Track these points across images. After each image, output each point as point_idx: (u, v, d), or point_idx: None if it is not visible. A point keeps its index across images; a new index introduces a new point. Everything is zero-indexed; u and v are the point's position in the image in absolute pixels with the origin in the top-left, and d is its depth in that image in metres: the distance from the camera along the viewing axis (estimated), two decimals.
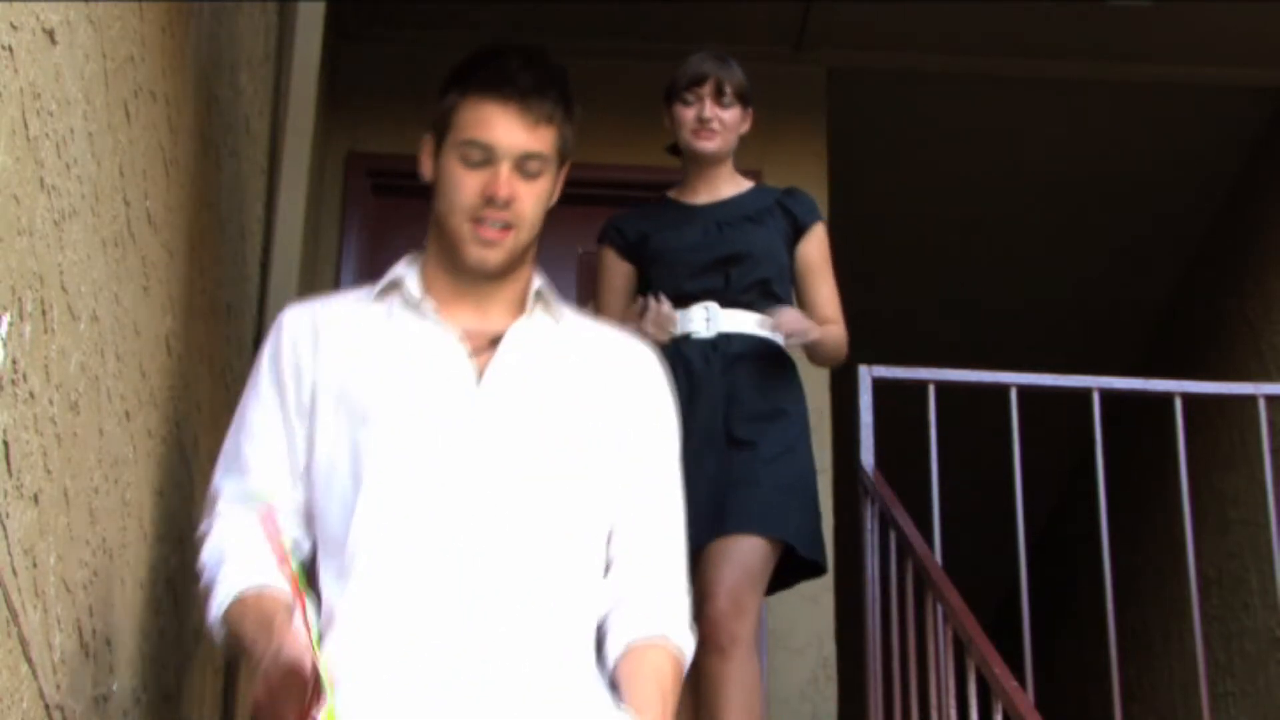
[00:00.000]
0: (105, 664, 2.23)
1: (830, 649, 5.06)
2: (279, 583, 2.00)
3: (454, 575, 2.00)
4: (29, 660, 1.78)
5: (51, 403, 1.87)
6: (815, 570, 3.46)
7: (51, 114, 1.82)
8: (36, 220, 1.77)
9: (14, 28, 1.65)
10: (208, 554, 2.16)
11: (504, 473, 2.08)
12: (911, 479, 3.83)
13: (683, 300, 3.51)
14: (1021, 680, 3.11)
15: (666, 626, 2.14)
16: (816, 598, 5.10)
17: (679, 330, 3.49)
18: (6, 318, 1.65)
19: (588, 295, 4.03)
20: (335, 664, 1.87)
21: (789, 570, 3.42)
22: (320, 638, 1.86)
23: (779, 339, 3.52)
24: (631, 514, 2.18)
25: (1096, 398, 3.91)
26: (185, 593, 2.75)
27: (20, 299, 1.71)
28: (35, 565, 1.80)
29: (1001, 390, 3.94)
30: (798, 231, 3.65)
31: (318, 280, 5.29)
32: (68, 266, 1.93)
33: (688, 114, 3.60)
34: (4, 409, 1.66)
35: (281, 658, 1.80)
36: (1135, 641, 6.70)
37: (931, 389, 3.91)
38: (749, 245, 3.55)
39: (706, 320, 3.49)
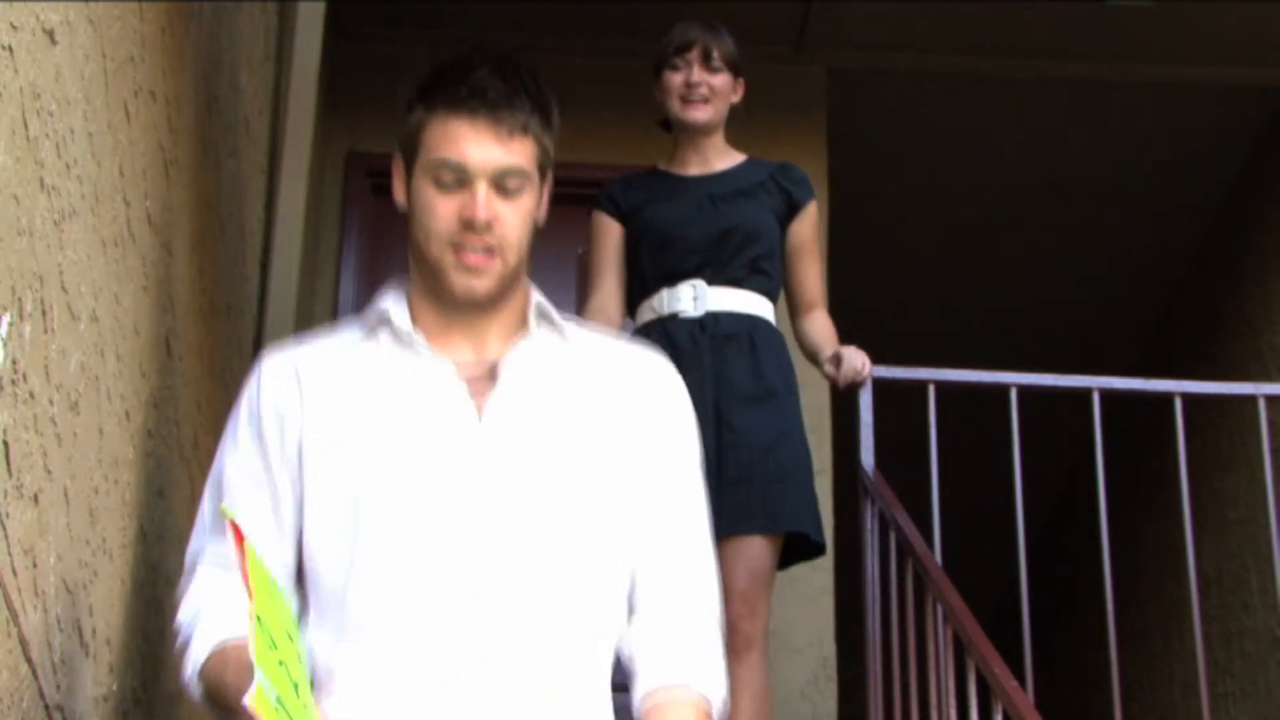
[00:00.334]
0: (105, 664, 2.23)
1: (830, 649, 5.06)
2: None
3: (465, 628, 1.89)
4: (29, 660, 1.78)
5: (51, 403, 1.87)
6: (816, 550, 3.45)
7: (51, 114, 1.82)
8: (36, 220, 1.77)
9: (14, 28, 1.65)
10: (184, 614, 2.00)
11: (512, 518, 1.95)
12: (911, 479, 3.83)
13: (671, 277, 3.49)
14: (1021, 680, 3.10)
15: (692, 673, 1.98)
16: (816, 598, 5.10)
17: (666, 309, 3.48)
18: (6, 318, 1.65)
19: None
20: None
21: (789, 550, 3.41)
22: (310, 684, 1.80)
23: (831, 372, 3.58)
24: (655, 543, 2.05)
25: (1096, 398, 3.91)
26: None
27: (20, 299, 1.71)
28: (35, 565, 1.80)
29: (1001, 390, 3.94)
30: (791, 209, 3.61)
31: (318, 280, 5.29)
32: (68, 266, 1.93)
33: (675, 79, 3.56)
34: (4, 409, 1.66)
35: None
36: (1135, 641, 6.70)
37: (931, 389, 3.91)
38: (743, 221, 3.52)
39: (694, 299, 3.47)
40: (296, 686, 1.73)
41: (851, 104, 5.79)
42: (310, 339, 2.14)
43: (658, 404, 2.12)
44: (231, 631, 1.90)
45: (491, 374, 2.04)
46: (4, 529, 1.67)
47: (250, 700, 1.60)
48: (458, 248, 2.01)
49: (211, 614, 1.96)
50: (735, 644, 3.25)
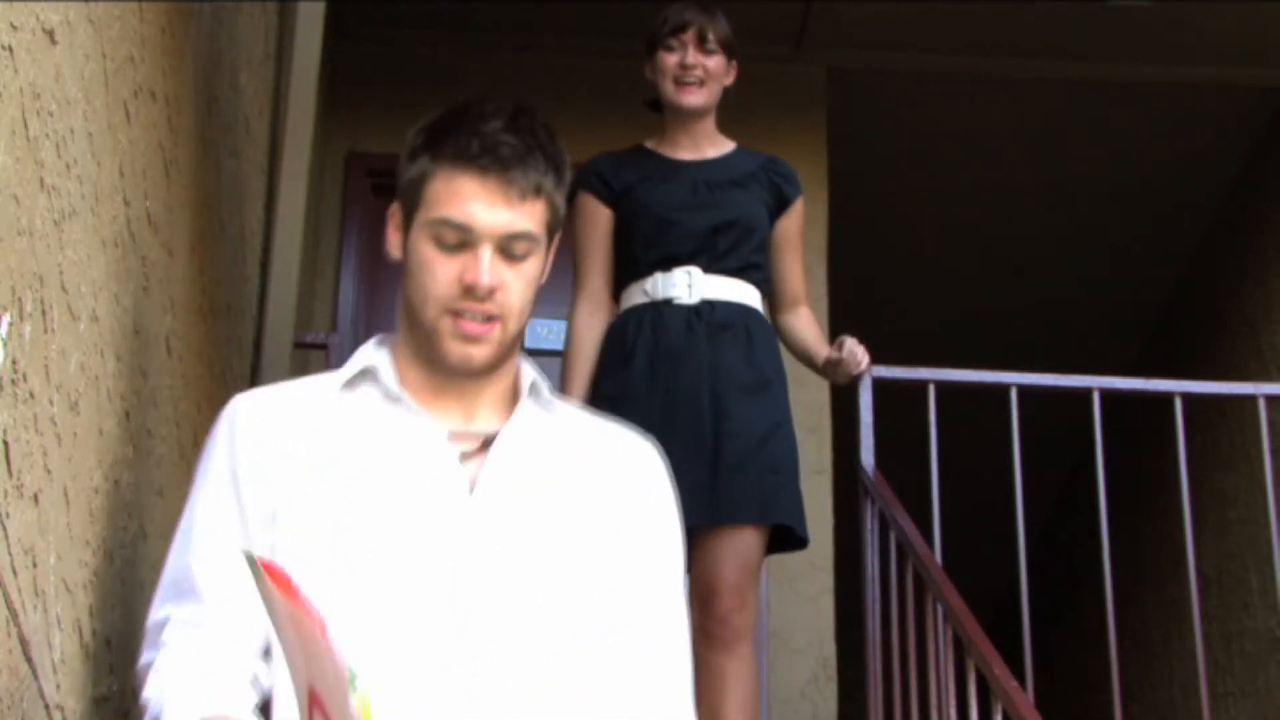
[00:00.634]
0: (105, 664, 2.23)
1: (830, 649, 5.07)
2: (243, 714, 1.75)
3: (452, 702, 1.77)
4: (29, 660, 1.78)
5: (51, 403, 1.87)
6: (798, 544, 3.46)
7: (51, 114, 1.82)
8: (36, 220, 1.77)
9: (14, 28, 1.65)
10: (151, 690, 1.82)
11: (500, 595, 1.83)
12: (911, 479, 3.83)
13: (665, 262, 3.49)
14: (1021, 680, 3.10)
15: None
16: (816, 598, 5.11)
17: (660, 294, 3.47)
18: (6, 318, 1.65)
19: None
20: None
21: (771, 541, 3.42)
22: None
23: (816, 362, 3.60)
24: (636, 635, 1.91)
25: (1096, 398, 3.91)
26: None
27: (20, 299, 1.71)
28: (35, 565, 1.80)
29: (1001, 390, 3.94)
30: (781, 203, 3.61)
31: (318, 280, 5.30)
32: (68, 266, 1.93)
33: (670, 60, 3.53)
34: (4, 409, 1.66)
35: None
36: (1135, 641, 6.70)
37: (931, 389, 3.91)
38: (737, 212, 3.51)
39: (689, 285, 3.46)
40: None
41: (851, 104, 5.79)
42: (283, 387, 1.99)
43: (645, 494, 1.99)
44: (208, 709, 1.76)
45: (483, 446, 1.91)
46: (4, 529, 1.67)
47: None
48: (456, 314, 1.88)
49: (185, 688, 1.79)
50: (725, 636, 3.25)
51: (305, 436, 1.90)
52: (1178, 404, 3.95)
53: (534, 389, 1.98)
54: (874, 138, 6.08)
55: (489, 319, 1.88)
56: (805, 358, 3.69)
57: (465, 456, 1.90)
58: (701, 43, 3.53)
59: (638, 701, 1.89)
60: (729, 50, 3.57)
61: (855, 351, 3.61)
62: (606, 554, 1.91)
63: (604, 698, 1.87)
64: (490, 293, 1.87)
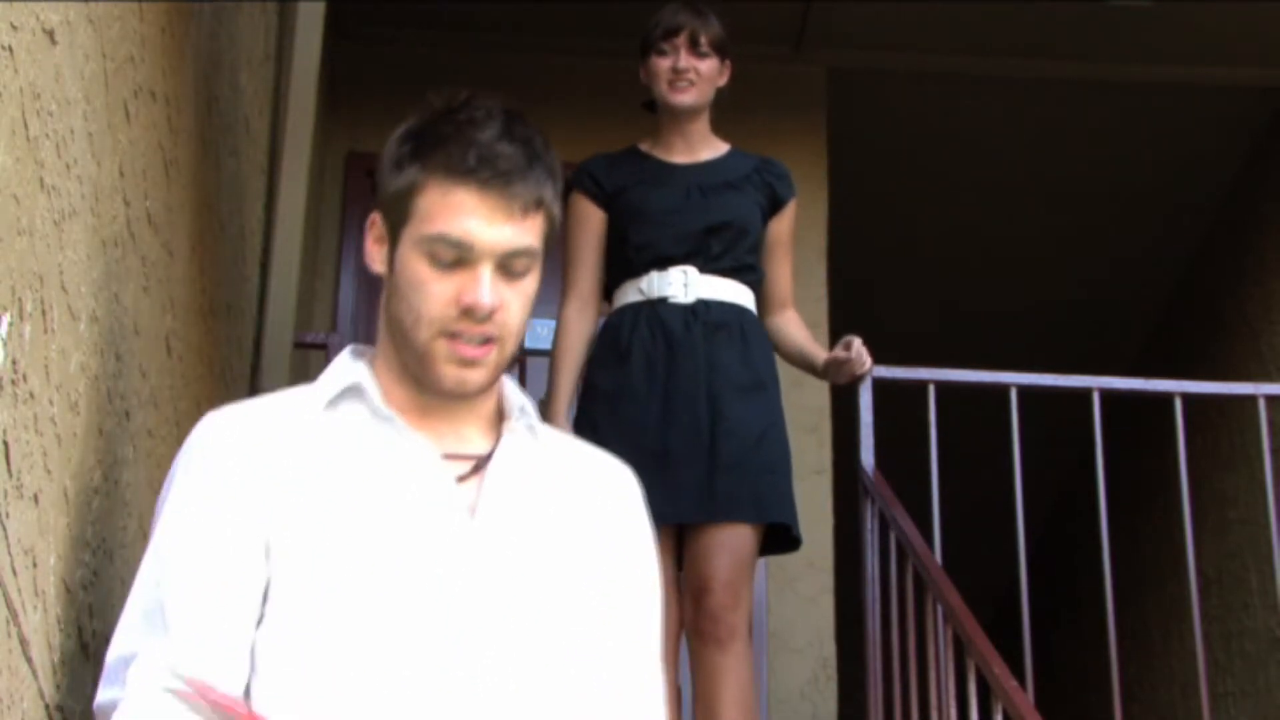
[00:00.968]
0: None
1: (830, 649, 5.07)
2: None
3: None
4: (29, 660, 1.78)
5: (51, 403, 1.87)
6: (791, 545, 3.46)
7: (51, 114, 1.82)
8: (36, 220, 1.77)
9: (14, 28, 1.65)
10: None
11: (504, 622, 1.74)
12: (911, 479, 3.83)
13: (660, 262, 3.49)
14: (1021, 680, 3.11)
15: None
16: (816, 598, 5.10)
17: (655, 293, 3.48)
18: (6, 318, 1.65)
19: None
20: None
21: (766, 542, 3.42)
22: None
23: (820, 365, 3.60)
24: (618, 665, 1.83)
25: (1096, 398, 3.91)
26: None
27: (20, 299, 1.71)
28: (35, 565, 1.80)
29: (1001, 390, 3.94)
30: (774, 205, 3.61)
31: (318, 280, 5.30)
32: (68, 266, 1.93)
33: (663, 65, 3.52)
34: (4, 409, 1.66)
35: None
36: (1135, 641, 6.70)
37: (931, 389, 3.91)
38: (730, 215, 3.51)
39: (685, 285, 3.46)
40: None
41: (851, 104, 5.79)
42: (259, 403, 1.86)
43: (628, 523, 1.90)
44: None
45: (476, 468, 1.81)
46: (4, 529, 1.67)
47: None
48: (452, 336, 1.76)
49: None
50: (719, 634, 3.25)
51: (292, 457, 1.76)
52: (1178, 404, 3.95)
53: (523, 411, 1.87)
54: (874, 138, 6.08)
55: (486, 341, 1.77)
56: (800, 359, 3.68)
57: (460, 479, 1.79)
58: (694, 46, 3.53)
59: None
60: (722, 52, 3.57)
61: (863, 353, 3.62)
62: (595, 582, 1.82)
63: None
64: (490, 314, 1.75)
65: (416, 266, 1.77)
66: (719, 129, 3.67)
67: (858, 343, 3.63)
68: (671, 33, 3.53)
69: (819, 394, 5.14)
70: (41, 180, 1.79)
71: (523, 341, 1.83)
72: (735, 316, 3.46)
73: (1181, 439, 3.90)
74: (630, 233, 3.49)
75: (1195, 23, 5.45)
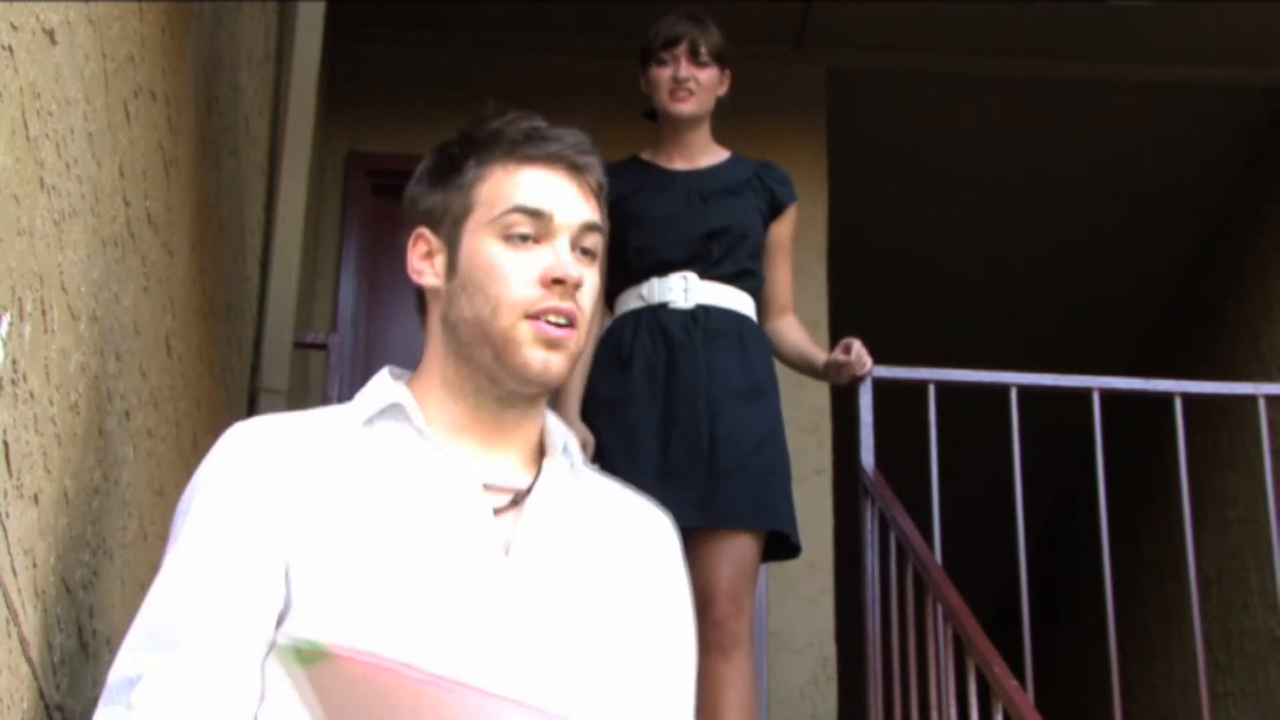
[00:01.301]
0: (105, 664, 2.23)
1: (830, 649, 5.07)
2: None
3: None
4: (29, 660, 1.78)
5: (51, 403, 1.87)
6: (791, 552, 3.46)
7: (51, 114, 1.82)
8: (36, 220, 1.77)
9: (14, 28, 1.65)
10: None
11: (527, 660, 1.63)
12: (911, 479, 3.83)
13: (660, 268, 3.50)
14: (1021, 680, 3.11)
15: None
16: (816, 598, 5.11)
17: (656, 298, 3.48)
18: (6, 318, 1.65)
19: None
20: None
21: (765, 549, 3.42)
22: None
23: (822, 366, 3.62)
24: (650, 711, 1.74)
25: (1096, 398, 3.91)
26: None
27: (20, 299, 1.71)
28: (35, 565, 1.80)
29: (1001, 390, 3.94)
30: (774, 209, 3.61)
31: (318, 280, 5.30)
32: (68, 266, 1.93)
33: (663, 75, 3.54)
34: (4, 409, 1.66)
35: None
36: (1135, 641, 6.70)
37: (931, 389, 3.91)
38: (730, 220, 3.52)
39: (685, 291, 3.47)
40: None
41: (851, 104, 5.79)
42: (293, 418, 1.74)
43: (666, 575, 1.82)
44: None
45: (514, 501, 1.71)
46: (4, 529, 1.67)
47: None
48: (535, 317, 1.68)
49: None
50: (722, 642, 3.26)
51: (322, 476, 1.65)
52: (1178, 404, 3.95)
53: (565, 449, 1.77)
54: (874, 138, 6.08)
55: (569, 323, 1.69)
56: (800, 362, 3.69)
57: (497, 511, 1.69)
58: (694, 55, 3.54)
59: None
60: (721, 61, 3.58)
61: (862, 355, 3.62)
62: (629, 633, 1.72)
63: None
64: (578, 286, 1.69)
65: (491, 251, 1.70)
66: (719, 129, 3.67)
67: (857, 345, 3.63)
68: (671, 43, 3.54)
69: (819, 394, 5.14)
70: (41, 180, 1.79)
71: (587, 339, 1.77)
72: (734, 323, 3.47)
73: (1181, 439, 3.90)
74: (631, 238, 3.50)
75: (1195, 23, 5.45)
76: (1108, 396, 3.98)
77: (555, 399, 3.51)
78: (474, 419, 1.73)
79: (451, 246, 1.74)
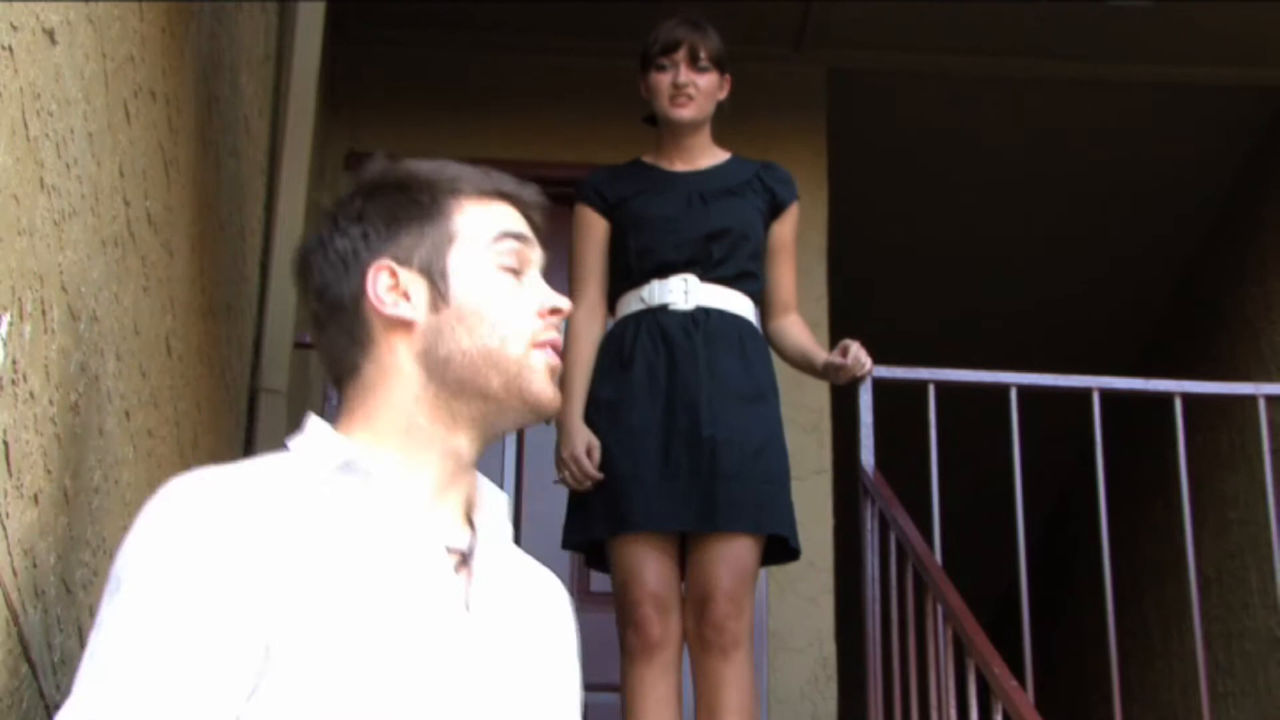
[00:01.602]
0: None
1: (830, 649, 5.07)
2: None
3: None
4: (29, 660, 1.78)
5: (51, 403, 1.87)
6: (790, 556, 3.47)
7: (51, 114, 1.82)
8: (36, 220, 1.77)
9: (14, 28, 1.65)
10: None
11: (500, 714, 1.58)
12: (911, 479, 3.83)
13: (660, 270, 3.50)
14: (1021, 680, 3.11)
15: None
16: (816, 598, 5.10)
17: (656, 301, 3.49)
18: (6, 318, 1.65)
19: None
20: None
21: (765, 552, 3.43)
22: None
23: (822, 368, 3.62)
24: None
25: (1096, 398, 3.91)
26: None
27: (20, 299, 1.71)
28: (35, 565, 1.80)
29: (1001, 390, 3.94)
30: (775, 208, 3.62)
31: None
32: (68, 266, 1.93)
33: (663, 80, 3.55)
34: (4, 409, 1.66)
35: None
36: (1135, 641, 6.70)
37: (931, 389, 3.91)
38: (731, 221, 3.53)
39: (685, 293, 3.48)
40: None
41: (851, 104, 5.79)
42: (247, 472, 1.57)
43: (568, 635, 1.77)
44: None
45: (463, 558, 1.63)
46: (4, 529, 1.67)
47: None
48: (540, 346, 1.68)
49: None
50: (722, 643, 3.27)
51: (294, 548, 1.51)
52: (1178, 404, 3.95)
53: (494, 500, 1.71)
54: (874, 138, 6.08)
55: (559, 353, 1.70)
56: (802, 362, 3.69)
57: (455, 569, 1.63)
58: (693, 61, 3.54)
59: None
60: (721, 66, 3.59)
61: (859, 357, 3.62)
62: (555, 683, 1.69)
63: None
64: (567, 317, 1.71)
65: (492, 279, 1.68)
66: (719, 130, 3.68)
67: (855, 347, 3.63)
68: (671, 48, 3.55)
69: (819, 394, 5.14)
70: (41, 180, 1.79)
71: None
72: (734, 326, 3.47)
73: (1181, 439, 3.90)
74: (631, 240, 3.52)
75: (1195, 23, 5.45)
76: (1108, 396, 3.98)
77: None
78: (432, 469, 1.65)
79: (437, 278, 1.68)
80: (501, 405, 1.66)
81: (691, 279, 3.48)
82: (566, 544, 3.51)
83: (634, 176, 3.62)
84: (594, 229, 3.59)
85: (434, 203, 1.70)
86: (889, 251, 6.72)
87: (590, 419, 3.43)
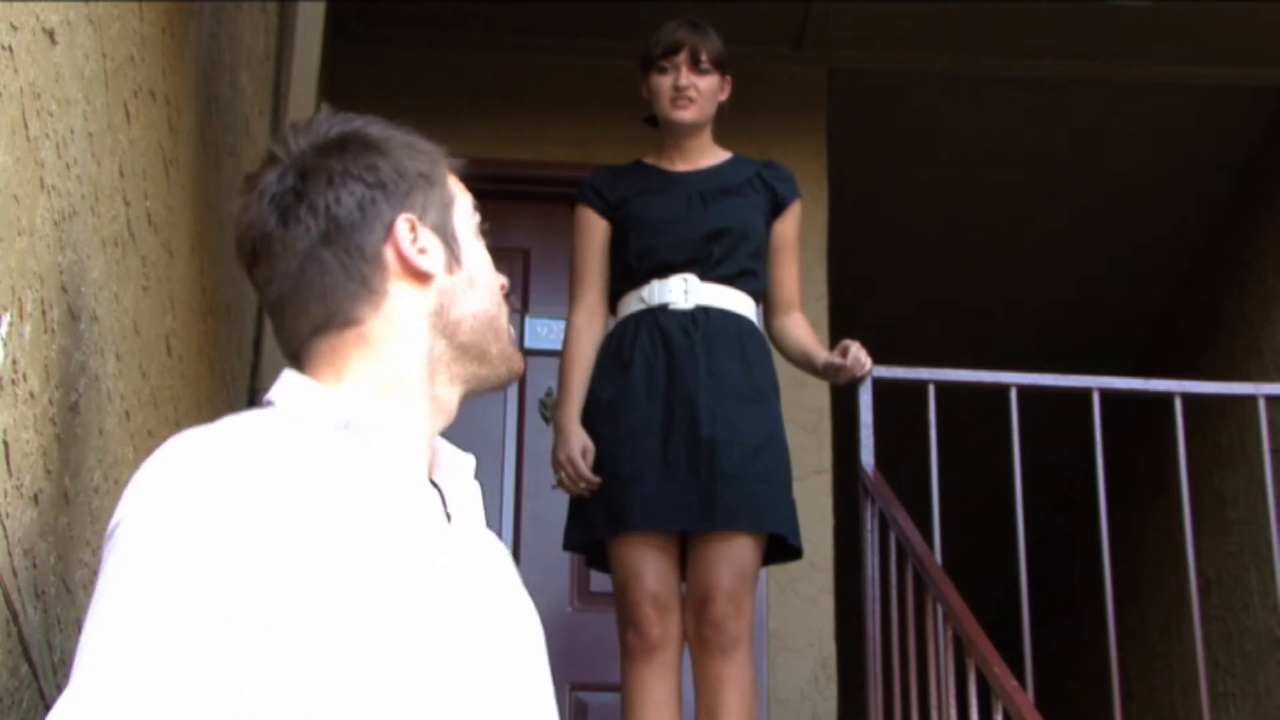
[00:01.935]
0: None
1: (830, 649, 5.06)
2: None
3: None
4: (29, 660, 1.78)
5: (51, 403, 1.87)
6: (792, 555, 3.47)
7: (51, 114, 1.82)
8: (36, 220, 1.77)
9: (14, 28, 1.65)
10: None
11: (507, 670, 1.54)
12: (911, 479, 3.83)
13: (661, 270, 3.50)
14: (1021, 680, 3.11)
15: None
16: (816, 598, 5.10)
17: (655, 300, 3.49)
18: (6, 318, 1.65)
19: None
20: None
21: (767, 552, 3.43)
22: None
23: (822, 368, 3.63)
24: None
25: (1096, 398, 3.91)
26: None
27: (20, 299, 1.71)
28: (35, 565, 1.80)
29: (1001, 390, 3.94)
30: (777, 207, 3.62)
31: None
32: (68, 266, 1.93)
33: (664, 83, 3.56)
34: (4, 409, 1.66)
35: None
36: (1135, 641, 6.70)
37: (931, 389, 3.91)
38: (731, 221, 3.53)
39: (685, 292, 3.48)
40: None
41: (851, 104, 5.79)
42: (250, 434, 1.52)
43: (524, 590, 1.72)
44: None
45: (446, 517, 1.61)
46: (4, 529, 1.67)
47: None
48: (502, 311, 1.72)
49: None
50: (722, 643, 3.27)
51: (305, 512, 1.43)
52: (1178, 404, 3.95)
53: (462, 464, 1.66)
54: (874, 138, 6.08)
55: None
56: (802, 361, 3.69)
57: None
58: (695, 63, 3.55)
59: None
60: (722, 68, 3.59)
61: (859, 357, 3.62)
62: (538, 644, 1.65)
63: None
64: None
65: (482, 249, 1.72)
66: (720, 130, 3.68)
67: (854, 347, 3.63)
68: (672, 50, 3.55)
69: (819, 394, 5.14)
70: (41, 180, 1.79)
71: None
72: (734, 326, 3.47)
73: (1181, 439, 3.90)
74: (632, 240, 3.52)
75: (1195, 23, 5.45)
76: (1108, 396, 3.98)
77: (557, 403, 3.52)
78: (423, 429, 1.61)
79: (450, 239, 1.67)
80: (493, 369, 1.68)
81: (691, 279, 3.48)
82: (567, 545, 3.51)
83: (635, 177, 3.62)
84: (594, 230, 3.59)
85: (434, 166, 1.71)
86: (889, 251, 6.71)
87: (590, 419, 3.43)
